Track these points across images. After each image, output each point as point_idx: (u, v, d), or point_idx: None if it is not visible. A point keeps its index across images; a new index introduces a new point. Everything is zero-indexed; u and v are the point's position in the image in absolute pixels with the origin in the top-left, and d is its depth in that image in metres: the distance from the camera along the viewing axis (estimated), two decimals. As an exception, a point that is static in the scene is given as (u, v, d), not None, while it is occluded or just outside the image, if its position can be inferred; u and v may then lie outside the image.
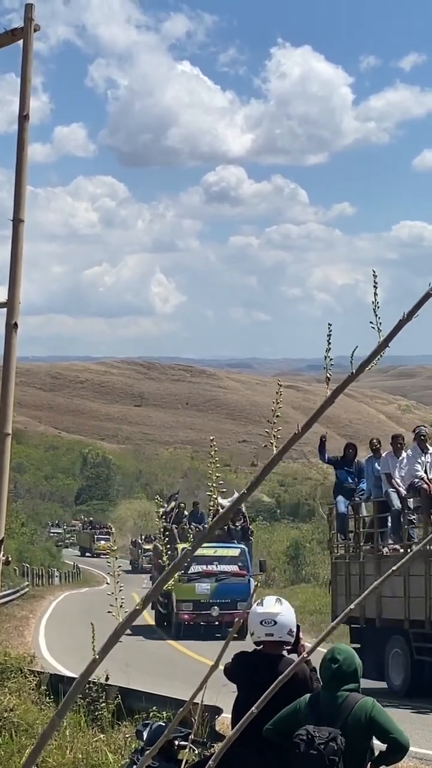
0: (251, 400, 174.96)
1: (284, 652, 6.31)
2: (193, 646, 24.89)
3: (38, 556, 58.77)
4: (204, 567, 27.98)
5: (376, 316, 2.02)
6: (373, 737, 5.70)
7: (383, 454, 18.77)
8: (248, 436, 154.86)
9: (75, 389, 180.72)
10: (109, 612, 2.17)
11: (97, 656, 2.04)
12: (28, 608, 36.89)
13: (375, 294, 2.13)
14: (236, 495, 2.13)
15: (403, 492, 17.94)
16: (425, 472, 17.75)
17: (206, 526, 2.20)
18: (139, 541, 69.11)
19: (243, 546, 29.02)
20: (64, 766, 10.32)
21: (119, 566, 2.48)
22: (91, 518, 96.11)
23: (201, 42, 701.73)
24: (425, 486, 17.49)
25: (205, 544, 26.84)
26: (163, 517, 28.80)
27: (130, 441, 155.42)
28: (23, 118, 2.49)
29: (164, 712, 10.57)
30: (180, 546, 26.94)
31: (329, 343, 2.22)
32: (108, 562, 2.94)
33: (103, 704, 11.81)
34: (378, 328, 2.00)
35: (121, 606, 2.14)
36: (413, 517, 18.08)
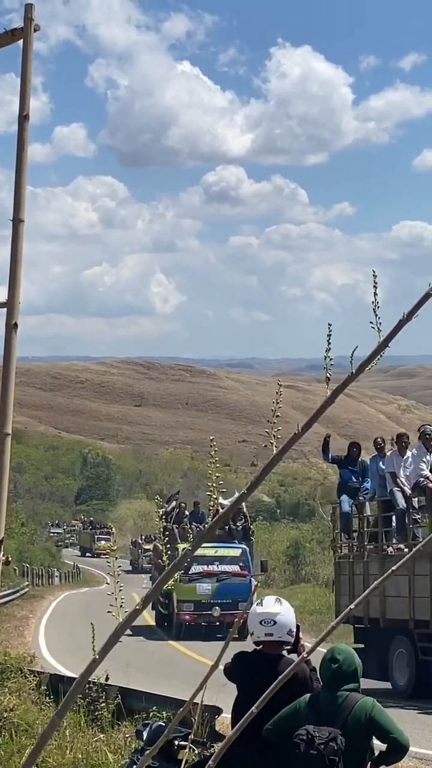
0: (251, 400, 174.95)
1: (284, 652, 6.31)
2: (193, 646, 24.83)
3: (38, 556, 58.76)
4: (205, 567, 27.89)
5: (376, 316, 2.02)
6: (373, 737, 5.70)
7: (388, 453, 18.66)
8: (248, 436, 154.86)
9: (75, 389, 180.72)
10: (109, 612, 2.17)
11: (97, 656, 2.05)
12: (28, 608, 36.88)
13: (375, 294, 2.14)
14: (237, 495, 2.13)
15: (408, 491, 17.83)
16: (430, 471, 17.69)
17: (207, 526, 2.20)
18: (140, 541, 69.13)
19: (244, 546, 28.90)
20: (64, 766, 10.32)
21: (119, 566, 2.48)
22: (92, 518, 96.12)
23: (201, 42, 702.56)
24: (430, 485, 17.42)
25: (206, 545, 27.02)
26: (164, 517, 28.78)
27: (130, 441, 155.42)
28: (23, 118, 2.49)
29: (164, 712, 10.56)
30: (181, 546, 26.90)
31: (329, 343, 2.22)
32: (108, 562, 2.94)
33: (103, 704, 11.80)
34: (378, 328, 2.00)
35: (121, 606, 2.14)
36: (418, 516, 17.92)
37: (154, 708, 11.12)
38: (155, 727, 7.20)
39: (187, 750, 7.28)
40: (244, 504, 28.79)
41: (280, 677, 2.25)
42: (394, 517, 18.28)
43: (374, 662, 18.30)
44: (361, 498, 19.72)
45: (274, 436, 2.05)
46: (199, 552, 27.12)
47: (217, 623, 27.28)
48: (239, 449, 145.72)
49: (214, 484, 2.27)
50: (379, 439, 20.12)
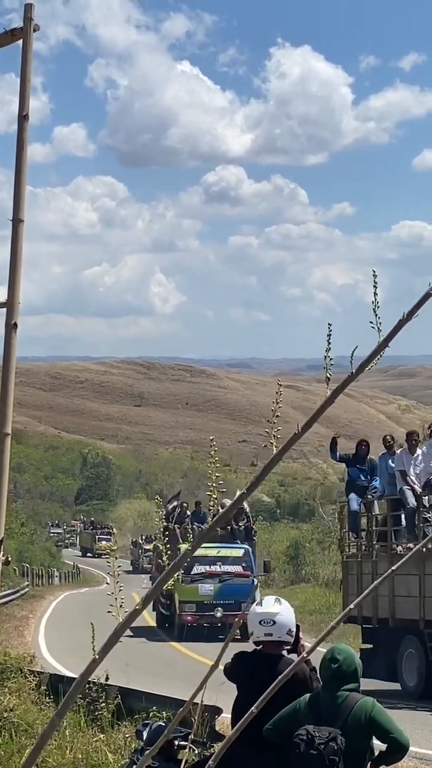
0: (251, 400, 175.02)
1: (284, 652, 6.31)
2: (195, 647, 24.75)
3: (38, 556, 58.78)
4: (207, 568, 27.70)
5: (376, 315, 2.02)
6: (373, 737, 5.70)
7: (397, 451, 18.48)
8: (248, 436, 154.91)
9: (75, 389, 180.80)
10: (109, 612, 2.17)
11: (97, 656, 2.05)
12: (28, 608, 36.89)
13: (375, 294, 2.14)
14: (238, 494, 2.13)
15: (419, 489, 17.67)
16: None
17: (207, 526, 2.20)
18: (140, 541, 69.15)
19: (247, 546, 28.64)
20: (64, 766, 10.32)
21: (119, 566, 2.48)
22: (92, 518, 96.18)
23: (201, 42, 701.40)
24: None
25: (208, 545, 27.00)
26: (165, 516, 28.75)
27: (130, 441, 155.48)
28: (23, 118, 2.49)
29: (164, 712, 10.56)
30: (182, 546, 26.83)
31: (329, 343, 2.22)
32: (108, 562, 2.95)
33: (103, 704, 11.81)
34: (378, 328, 2.00)
35: (121, 606, 2.14)
36: (429, 515, 17.69)
37: (154, 708, 11.12)
38: (155, 727, 7.20)
39: (187, 750, 7.28)
40: (246, 504, 28.76)
41: (279, 677, 2.25)
42: (403, 516, 18.10)
43: (383, 663, 18.16)
44: (369, 496, 19.55)
45: (274, 436, 2.05)
46: (202, 552, 27.05)
47: (219, 624, 27.07)
48: (239, 449, 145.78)
49: (214, 484, 2.27)
50: (388, 437, 19.87)
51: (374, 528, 19.45)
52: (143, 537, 70.11)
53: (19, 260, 2.44)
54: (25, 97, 2.50)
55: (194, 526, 28.80)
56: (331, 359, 2.14)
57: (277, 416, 2.13)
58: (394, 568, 2.48)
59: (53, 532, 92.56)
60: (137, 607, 2.05)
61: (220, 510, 2.14)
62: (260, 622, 6.21)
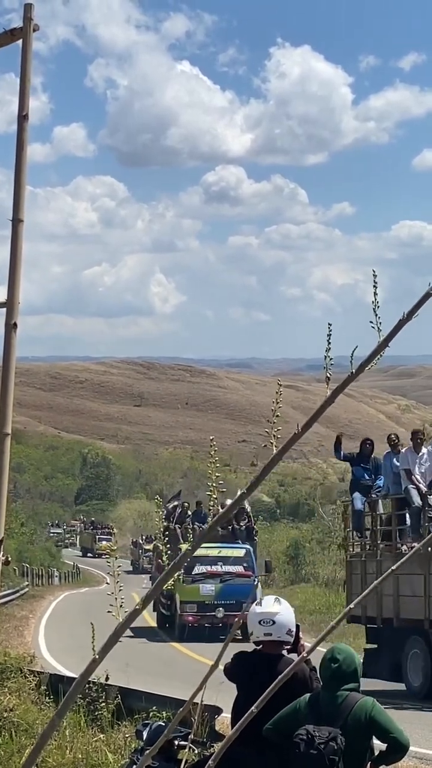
0: (251, 400, 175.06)
1: (284, 652, 6.32)
2: (196, 647, 24.70)
3: (38, 556, 58.79)
4: (208, 568, 27.62)
5: (376, 315, 2.02)
6: (373, 737, 5.71)
7: (402, 450, 18.35)
8: (248, 436, 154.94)
9: (75, 389, 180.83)
10: (109, 612, 2.17)
11: (97, 656, 2.05)
12: (28, 608, 36.89)
13: (375, 294, 2.14)
14: (239, 494, 2.13)
15: (424, 488, 17.57)
16: None
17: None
18: (140, 541, 69.15)
19: (248, 546, 28.52)
20: (64, 766, 10.32)
21: (119, 566, 2.48)
22: (93, 518, 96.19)
23: (200, 42, 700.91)
24: None
25: (209, 545, 26.96)
26: (166, 516, 28.69)
27: (130, 441, 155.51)
28: (22, 118, 2.49)
29: (164, 712, 10.56)
30: (183, 546, 26.77)
31: (329, 343, 2.22)
32: (108, 562, 2.95)
33: (103, 704, 11.81)
34: (378, 328, 2.00)
35: (121, 606, 2.14)
36: None
37: (154, 708, 11.11)
38: (155, 727, 7.20)
39: (187, 750, 7.28)
40: (247, 504, 28.71)
41: (279, 677, 2.25)
42: (408, 515, 17.97)
43: (387, 663, 18.07)
44: (373, 495, 19.43)
45: (274, 436, 2.05)
46: (203, 552, 27.02)
47: (221, 625, 26.95)
48: (239, 449, 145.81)
49: (214, 484, 2.27)
50: (393, 436, 19.72)
51: (378, 527, 19.25)
52: (143, 537, 70.11)
53: (19, 260, 2.44)
54: (25, 97, 2.50)
55: (195, 526, 28.74)
56: (331, 359, 2.14)
57: (277, 416, 2.13)
58: (394, 567, 2.48)
59: (53, 532, 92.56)
60: (137, 607, 2.05)
61: (221, 510, 2.14)
62: (260, 622, 6.22)
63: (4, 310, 2.44)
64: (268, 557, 38.48)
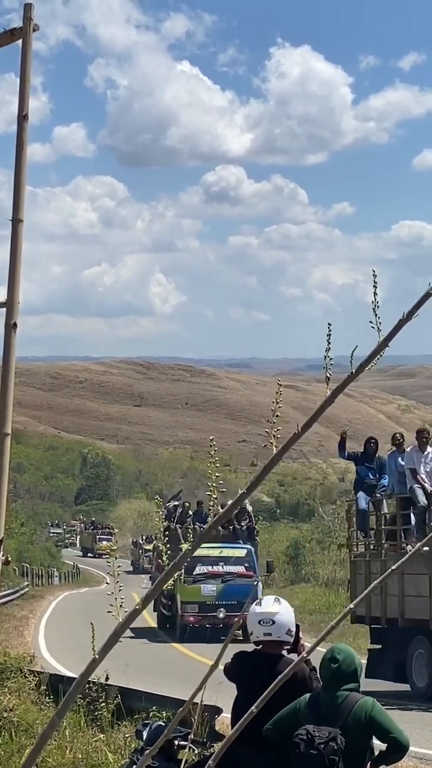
0: (251, 400, 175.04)
1: (284, 652, 6.32)
2: (195, 647, 24.67)
3: (38, 556, 58.79)
4: (210, 568, 27.51)
5: (376, 315, 2.02)
6: (373, 737, 5.71)
7: (407, 449, 18.25)
8: (248, 436, 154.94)
9: (74, 389, 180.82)
10: (109, 612, 2.17)
11: (97, 656, 2.05)
12: (28, 608, 36.89)
13: (375, 294, 2.14)
14: (239, 493, 2.13)
15: (429, 488, 17.47)
16: None
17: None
18: (140, 541, 69.15)
19: (249, 546, 28.40)
20: (64, 766, 10.32)
21: (119, 566, 2.48)
22: (93, 519, 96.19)
23: (200, 42, 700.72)
24: None
25: (211, 545, 26.90)
26: (166, 516, 28.65)
27: (130, 441, 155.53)
28: (22, 118, 2.49)
29: (164, 712, 10.56)
30: (184, 546, 26.72)
31: (329, 343, 2.22)
32: (108, 562, 2.95)
33: (103, 704, 11.81)
34: (378, 328, 2.00)
35: (120, 606, 2.15)
36: None
37: (154, 708, 11.11)
38: (155, 727, 7.20)
39: (187, 750, 7.28)
40: (248, 503, 28.65)
41: (279, 677, 2.25)
42: (413, 515, 17.88)
43: (392, 663, 17.98)
44: (378, 495, 19.34)
45: (273, 436, 2.05)
46: (204, 552, 26.96)
47: (222, 625, 26.80)
48: (239, 449, 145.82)
49: (214, 484, 2.27)
50: (398, 435, 19.64)
51: (383, 527, 19.15)
52: (143, 537, 70.10)
53: (19, 260, 2.44)
54: (25, 97, 2.50)
55: (196, 526, 28.71)
56: (331, 359, 2.14)
57: (277, 416, 2.13)
58: (394, 567, 2.47)
59: (53, 532, 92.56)
60: (137, 607, 2.05)
61: (221, 510, 2.15)
62: (259, 622, 6.22)
63: (4, 310, 2.44)
64: (269, 557, 38.45)
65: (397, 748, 5.68)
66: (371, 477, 19.57)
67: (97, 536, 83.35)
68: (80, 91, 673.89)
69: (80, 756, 10.46)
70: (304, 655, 2.78)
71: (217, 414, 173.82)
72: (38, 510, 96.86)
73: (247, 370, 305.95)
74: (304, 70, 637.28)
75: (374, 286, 2.17)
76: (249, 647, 6.36)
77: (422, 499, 17.51)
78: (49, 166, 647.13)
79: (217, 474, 2.30)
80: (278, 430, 2.06)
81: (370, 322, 2.02)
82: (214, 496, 2.26)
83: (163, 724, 7.65)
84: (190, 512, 31.31)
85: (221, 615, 26.88)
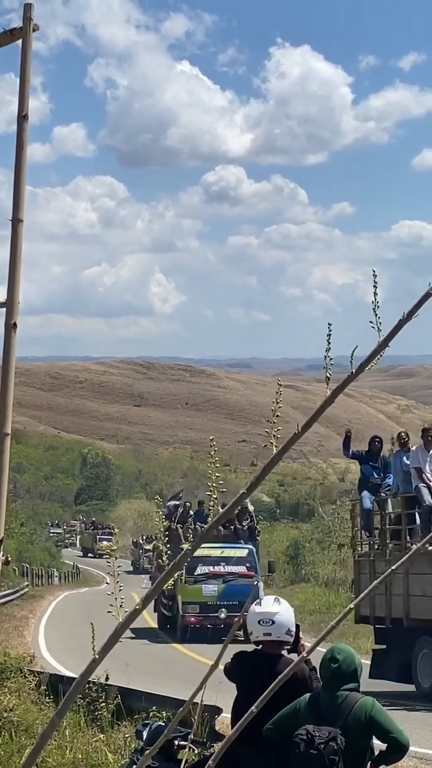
0: (251, 400, 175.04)
1: (284, 652, 6.31)
2: (195, 647, 24.62)
3: (38, 556, 58.80)
4: (211, 568, 27.42)
5: (376, 315, 2.02)
6: (373, 737, 5.71)
7: (413, 448, 18.16)
8: (248, 436, 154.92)
9: (74, 389, 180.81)
10: (109, 612, 2.17)
11: (97, 656, 2.05)
12: (28, 608, 36.89)
13: (375, 294, 2.14)
14: (240, 493, 2.13)
15: None
16: None
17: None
18: (140, 541, 69.15)
19: (251, 546, 28.31)
20: (64, 766, 10.33)
21: (119, 566, 2.48)
22: (93, 519, 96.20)
23: (200, 42, 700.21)
24: None
25: (212, 545, 26.85)
26: (167, 516, 28.63)
27: (130, 441, 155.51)
28: (22, 118, 2.49)
29: (164, 712, 10.56)
30: (185, 546, 26.63)
31: (329, 343, 2.22)
32: (108, 562, 2.95)
33: (103, 704, 11.81)
34: (378, 328, 2.00)
35: (121, 606, 2.14)
36: None
37: (154, 708, 11.11)
38: (155, 727, 7.20)
39: (187, 750, 7.28)
40: (249, 503, 28.61)
41: (279, 677, 2.25)
42: (418, 514, 17.79)
43: (397, 664, 17.89)
44: (383, 494, 19.25)
45: (273, 436, 2.05)
46: (205, 553, 26.91)
47: (223, 626, 26.64)
48: (239, 449, 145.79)
49: (214, 484, 2.27)
50: (403, 434, 19.48)
51: (388, 526, 19.03)
52: (143, 537, 70.11)
53: (19, 260, 2.44)
54: (25, 97, 2.50)
55: (197, 525, 28.68)
56: (331, 359, 2.14)
57: (277, 416, 2.13)
58: (394, 567, 2.47)
59: (53, 532, 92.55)
60: (137, 607, 2.05)
61: (221, 510, 2.14)
62: (259, 622, 6.22)
63: (4, 310, 2.44)
64: (269, 557, 38.42)
65: (397, 747, 5.68)
66: (376, 476, 19.49)
67: (97, 536, 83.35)
68: (80, 91, 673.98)
69: (80, 756, 10.46)
70: (304, 655, 2.78)
71: (217, 414, 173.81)
72: (38, 510, 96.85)
73: (247, 370, 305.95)
74: (304, 70, 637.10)
75: (374, 286, 2.17)
76: (249, 647, 6.36)
77: (428, 499, 17.43)
78: (49, 166, 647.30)
79: (217, 474, 2.30)
80: (278, 430, 2.06)
81: (370, 322, 2.02)
82: (215, 496, 2.26)
83: (163, 724, 7.66)
84: (192, 512, 31.25)
85: (223, 615, 26.78)
